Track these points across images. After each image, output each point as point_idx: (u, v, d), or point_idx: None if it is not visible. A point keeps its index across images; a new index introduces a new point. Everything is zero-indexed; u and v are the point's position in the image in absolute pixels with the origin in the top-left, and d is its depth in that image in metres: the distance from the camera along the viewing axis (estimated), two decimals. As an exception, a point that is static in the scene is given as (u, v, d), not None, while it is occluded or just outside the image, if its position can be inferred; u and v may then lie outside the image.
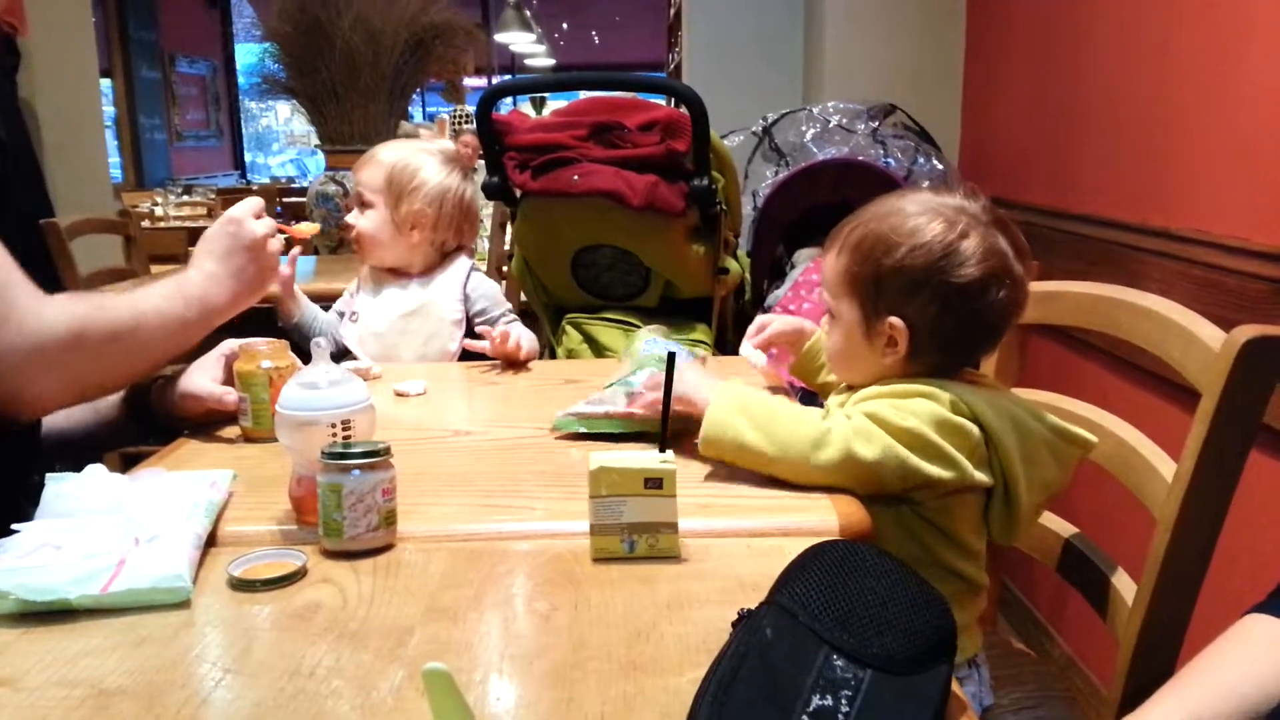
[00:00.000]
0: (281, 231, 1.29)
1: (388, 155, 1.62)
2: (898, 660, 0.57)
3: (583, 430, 1.14)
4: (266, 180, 9.54)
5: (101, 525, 0.83)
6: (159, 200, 6.03)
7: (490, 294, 1.62)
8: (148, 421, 1.24)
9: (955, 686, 0.63)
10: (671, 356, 0.90)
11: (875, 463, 0.93)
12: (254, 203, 1.26)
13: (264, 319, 1.44)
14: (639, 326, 2.11)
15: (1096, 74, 2.03)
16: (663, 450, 0.86)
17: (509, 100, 6.18)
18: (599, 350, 2.08)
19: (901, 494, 0.97)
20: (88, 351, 1.03)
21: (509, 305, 1.66)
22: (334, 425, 0.87)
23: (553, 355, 2.17)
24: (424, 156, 1.63)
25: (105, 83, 7.27)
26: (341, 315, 1.63)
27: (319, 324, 1.60)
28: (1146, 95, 1.82)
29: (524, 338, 1.53)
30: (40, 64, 3.45)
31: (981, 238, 0.98)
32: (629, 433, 1.11)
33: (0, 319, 0.96)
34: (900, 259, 0.98)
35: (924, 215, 1.00)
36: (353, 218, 1.63)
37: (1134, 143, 1.87)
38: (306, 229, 1.47)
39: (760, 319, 1.27)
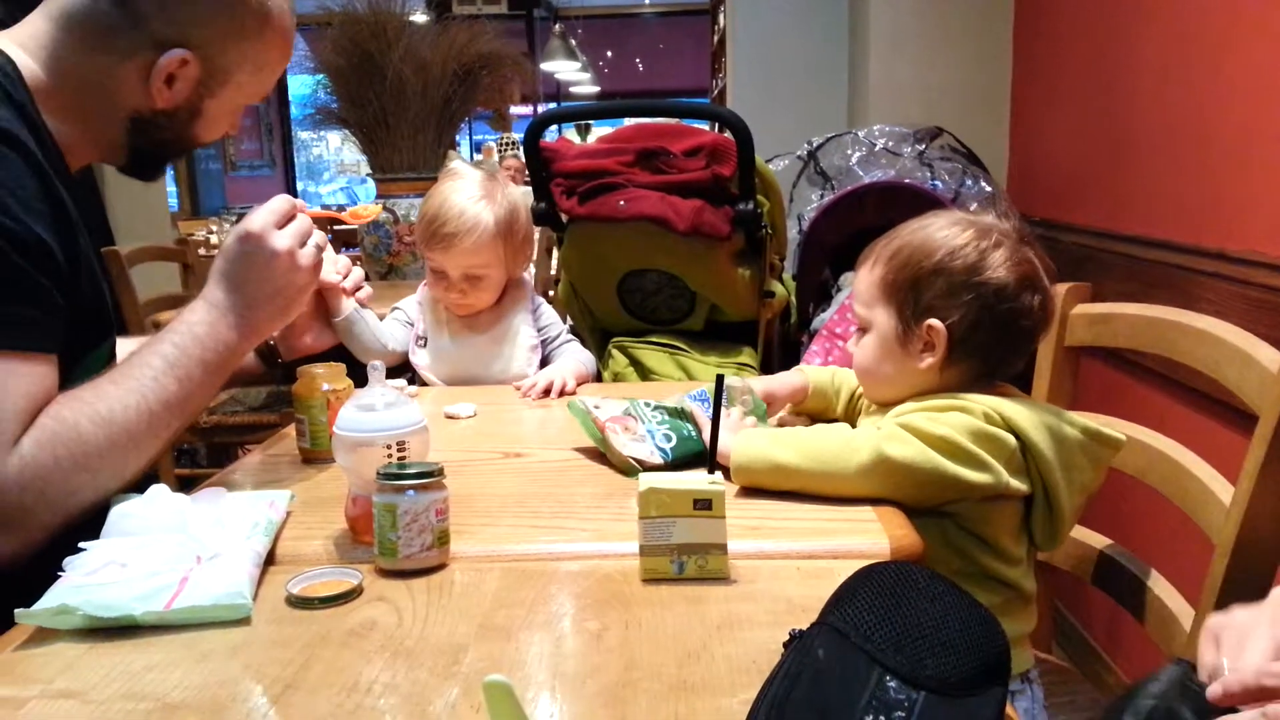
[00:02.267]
0: (336, 220, 1.15)
1: (485, 218, 1.50)
2: (951, 682, 0.57)
3: (580, 423, 1.15)
4: (318, 209, 9.73)
5: (165, 544, 0.85)
6: (214, 229, 6.17)
7: (552, 317, 1.65)
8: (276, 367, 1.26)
9: (1009, 709, 0.62)
10: (720, 379, 0.91)
11: (908, 464, 0.95)
12: (277, 207, 1.07)
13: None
14: (685, 350, 2.12)
15: (1148, 91, 2.01)
16: (711, 471, 0.86)
17: (553, 128, 6.25)
18: (645, 373, 2.09)
19: (940, 504, 0.99)
20: (55, 498, 0.91)
21: (566, 327, 1.67)
22: (389, 446, 0.89)
23: (598, 378, 2.19)
24: (510, 193, 1.57)
25: (164, 115, 7.49)
26: (411, 325, 1.60)
27: (378, 335, 1.49)
28: (1200, 113, 1.80)
29: (578, 365, 1.54)
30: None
31: (1012, 248, 1.03)
32: (596, 444, 1.13)
33: None
34: (939, 262, 1.03)
35: (956, 227, 1.05)
36: (458, 297, 1.53)
37: (1187, 162, 1.85)
38: (370, 210, 1.38)
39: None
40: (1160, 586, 1.10)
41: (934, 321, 1.02)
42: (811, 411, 1.27)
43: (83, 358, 1.03)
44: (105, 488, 0.95)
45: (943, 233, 1.04)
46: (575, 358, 1.58)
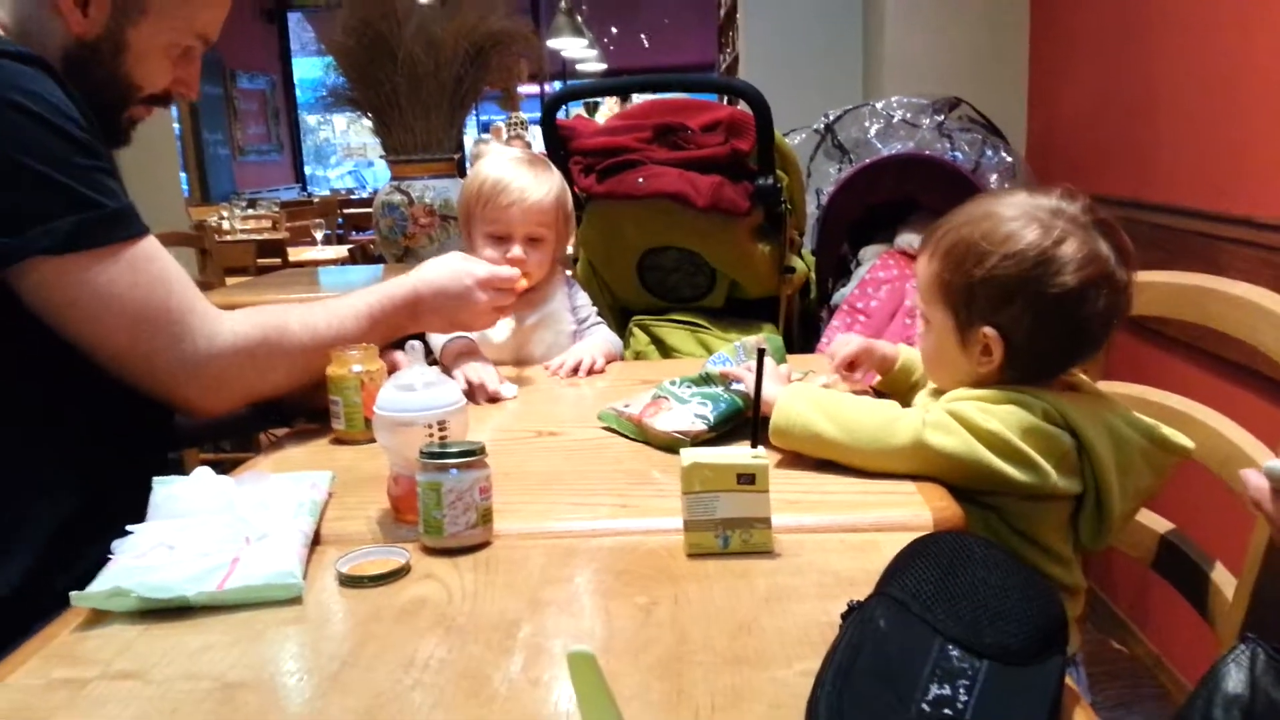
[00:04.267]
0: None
1: (545, 180, 1.53)
2: (1012, 651, 0.57)
3: (615, 428, 1.18)
4: (326, 192, 9.72)
5: (212, 525, 0.86)
6: (225, 214, 6.18)
7: (585, 300, 1.66)
8: (272, 411, 1.28)
9: (1068, 678, 0.63)
10: (761, 353, 0.91)
11: (949, 454, 0.93)
12: (505, 275, 1.31)
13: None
14: (706, 327, 2.12)
15: (1170, 54, 1.99)
16: (754, 445, 0.86)
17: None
18: (666, 351, 2.09)
19: (980, 495, 0.97)
20: (255, 372, 1.10)
21: (595, 309, 1.67)
22: (430, 426, 0.90)
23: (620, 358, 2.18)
24: (545, 162, 1.58)
25: (171, 101, 7.47)
26: None
27: None
28: (1225, 76, 1.78)
29: (606, 344, 1.55)
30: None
31: (1081, 243, 0.95)
32: (637, 439, 1.14)
33: (174, 339, 1.03)
34: (992, 268, 0.96)
35: (1018, 220, 0.97)
36: (516, 258, 1.47)
37: (1212, 127, 1.83)
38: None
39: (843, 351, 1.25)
40: (1200, 556, 1.09)
41: (989, 330, 0.97)
42: (891, 387, 1.24)
43: None
44: (289, 379, 1.15)
45: (1003, 229, 0.96)
46: (603, 337, 1.59)
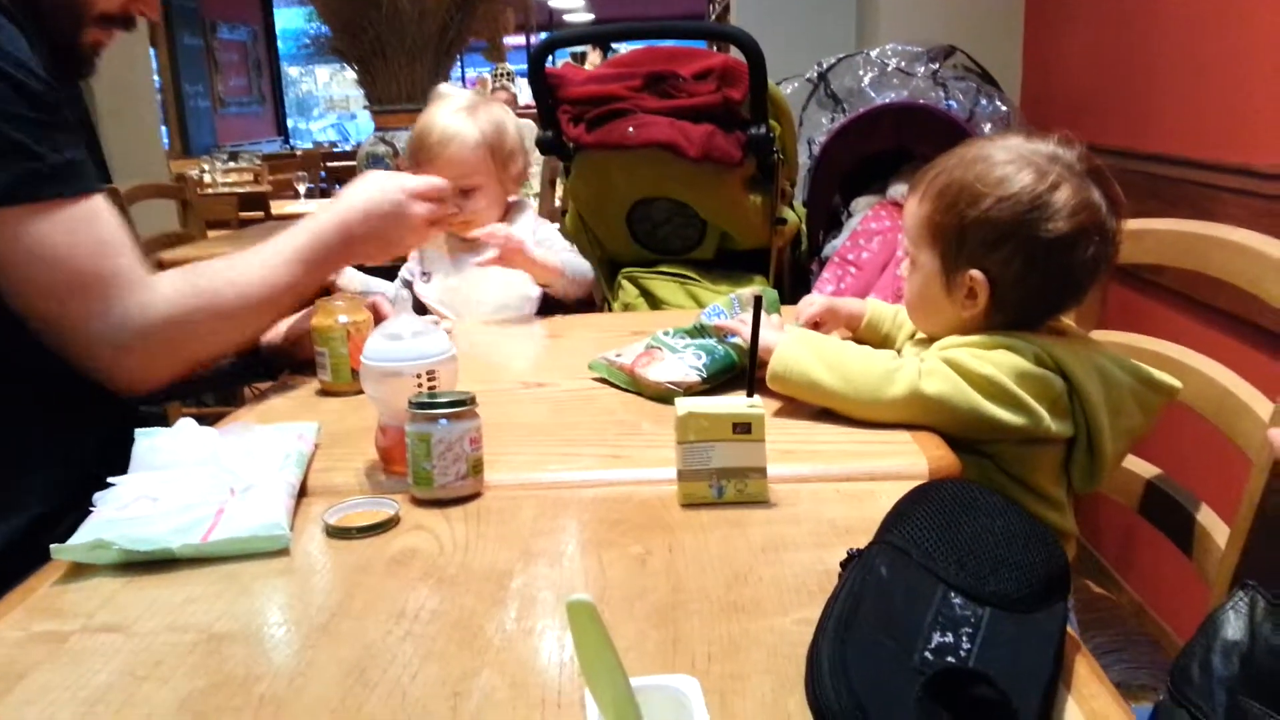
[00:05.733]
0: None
1: (468, 127, 1.51)
2: (1014, 598, 0.56)
3: (606, 378, 1.16)
4: (309, 145, 9.58)
5: (196, 477, 0.84)
6: (206, 167, 6.08)
7: (550, 232, 1.64)
8: (256, 364, 1.27)
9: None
10: (758, 300, 0.89)
11: (942, 400, 0.93)
12: (437, 185, 1.22)
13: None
14: (696, 280, 2.09)
15: (1167, 3, 1.95)
16: (750, 395, 0.85)
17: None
18: (655, 304, 2.07)
19: (976, 442, 0.96)
20: (192, 338, 1.04)
21: (568, 244, 1.64)
22: (419, 376, 0.88)
23: (609, 308, 2.16)
24: (496, 110, 1.57)
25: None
26: (409, 282, 1.56)
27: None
28: (1221, 25, 1.75)
29: (561, 260, 1.54)
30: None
31: (1074, 190, 0.95)
32: (629, 389, 1.13)
33: (106, 307, 0.96)
34: (985, 210, 0.95)
35: (1013, 164, 0.96)
36: (454, 213, 1.40)
37: (1209, 75, 1.80)
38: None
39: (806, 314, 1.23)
40: (1191, 503, 1.09)
41: (976, 273, 0.97)
42: (864, 341, 1.22)
43: None
44: (227, 342, 1.10)
45: (997, 172, 0.95)
46: (564, 258, 1.56)
